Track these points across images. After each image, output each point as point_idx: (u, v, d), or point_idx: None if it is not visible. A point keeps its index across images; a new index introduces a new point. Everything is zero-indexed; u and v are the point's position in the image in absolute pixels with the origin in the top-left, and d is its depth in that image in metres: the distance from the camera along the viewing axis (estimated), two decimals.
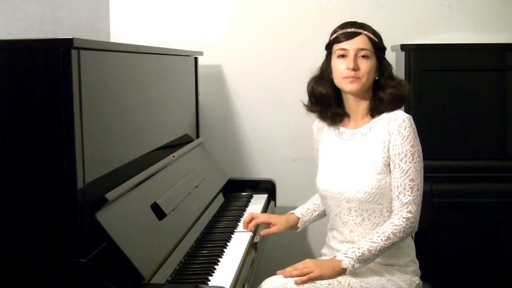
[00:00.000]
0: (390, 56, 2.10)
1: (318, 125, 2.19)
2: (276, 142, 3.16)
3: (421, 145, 2.00)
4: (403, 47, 2.78)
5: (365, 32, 2.01)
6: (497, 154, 2.80)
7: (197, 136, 2.83)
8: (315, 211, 2.27)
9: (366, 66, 1.99)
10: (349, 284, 1.89)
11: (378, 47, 2.03)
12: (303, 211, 2.27)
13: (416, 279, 2.04)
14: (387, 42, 2.11)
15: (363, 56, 1.99)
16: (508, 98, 2.80)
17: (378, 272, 1.97)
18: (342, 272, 1.90)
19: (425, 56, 2.79)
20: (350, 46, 1.99)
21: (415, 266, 2.08)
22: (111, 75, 1.80)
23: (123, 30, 3.11)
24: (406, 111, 2.10)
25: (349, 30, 2.01)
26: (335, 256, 1.93)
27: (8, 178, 1.53)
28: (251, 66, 3.13)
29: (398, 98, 2.03)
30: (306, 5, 3.10)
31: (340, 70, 2.00)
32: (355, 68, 1.97)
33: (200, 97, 2.86)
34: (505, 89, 2.81)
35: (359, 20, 2.06)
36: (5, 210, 1.53)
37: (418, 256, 2.11)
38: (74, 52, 1.49)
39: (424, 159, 2.00)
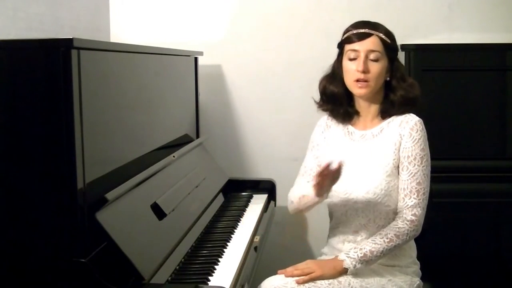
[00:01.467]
0: None
1: (327, 122, 2.17)
2: (276, 142, 3.16)
3: None
4: (403, 47, 2.77)
5: (377, 33, 2.00)
6: (497, 154, 2.80)
7: (197, 136, 2.83)
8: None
9: (376, 69, 1.98)
10: (349, 284, 1.89)
11: (390, 48, 2.02)
12: None
13: (417, 280, 2.04)
14: None
15: (373, 59, 1.98)
16: (508, 98, 2.80)
17: (379, 272, 1.97)
18: (344, 272, 1.90)
19: (425, 56, 2.79)
20: (361, 47, 1.99)
21: (416, 267, 2.08)
22: (111, 75, 1.79)
23: (123, 30, 3.11)
24: None
25: (361, 30, 2.00)
26: (337, 256, 1.94)
27: (8, 178, 1.52)
28: (251, 66, 3.12)
29: (409, 101, 2.03)
30: (306, 5, 3.09)
31: (351, 72, 2.00)
32: (365, 71, 1.97)
33: (200, 97, 2.86)
34: (505, 89, 2.81)
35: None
36: (5, 210, 1.53)
37: (418, 256, 2.11)
38: (74, 52, 1.48)
39: None
